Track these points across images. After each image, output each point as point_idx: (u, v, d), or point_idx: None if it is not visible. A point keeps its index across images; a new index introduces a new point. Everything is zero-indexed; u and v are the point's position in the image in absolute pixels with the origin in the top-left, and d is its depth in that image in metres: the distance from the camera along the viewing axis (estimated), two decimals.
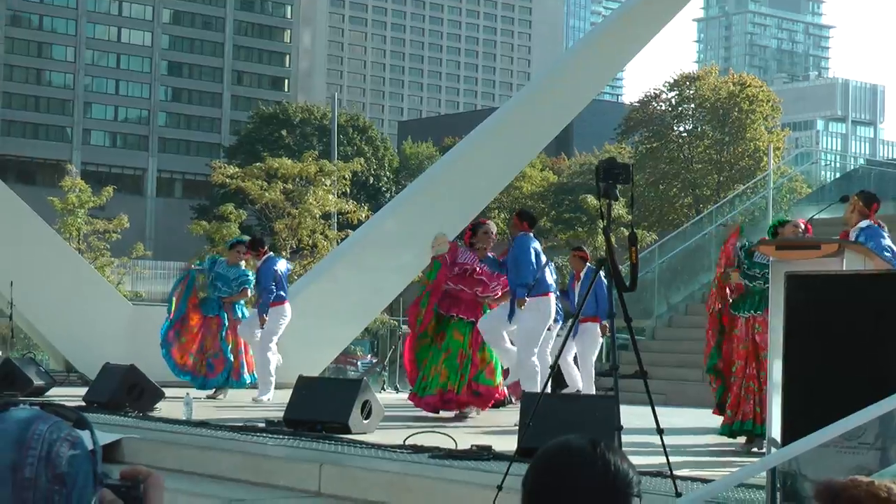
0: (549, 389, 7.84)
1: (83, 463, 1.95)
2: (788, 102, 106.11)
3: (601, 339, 14.19)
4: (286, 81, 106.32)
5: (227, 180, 41.24)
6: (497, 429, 10.69)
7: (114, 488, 2.01)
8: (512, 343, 12.00)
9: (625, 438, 7.02)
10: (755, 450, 9.27)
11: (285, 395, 10.88)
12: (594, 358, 14.20)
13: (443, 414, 12.03)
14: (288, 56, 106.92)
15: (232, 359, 14.39)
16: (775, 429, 6.80)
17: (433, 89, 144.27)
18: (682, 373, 20.08)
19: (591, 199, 47.26)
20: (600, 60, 18.37)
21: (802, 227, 9.84)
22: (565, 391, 13.27)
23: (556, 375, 12.54)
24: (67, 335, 16.22)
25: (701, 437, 10.68)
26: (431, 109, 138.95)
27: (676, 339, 22.36)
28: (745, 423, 9.52)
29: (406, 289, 18.50)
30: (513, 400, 12.88)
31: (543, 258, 11.93)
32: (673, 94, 62.30)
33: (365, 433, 9.69)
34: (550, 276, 11.99)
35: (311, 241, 39.23)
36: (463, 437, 8.96)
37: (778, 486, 5.45)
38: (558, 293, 12.74)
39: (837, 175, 31.29)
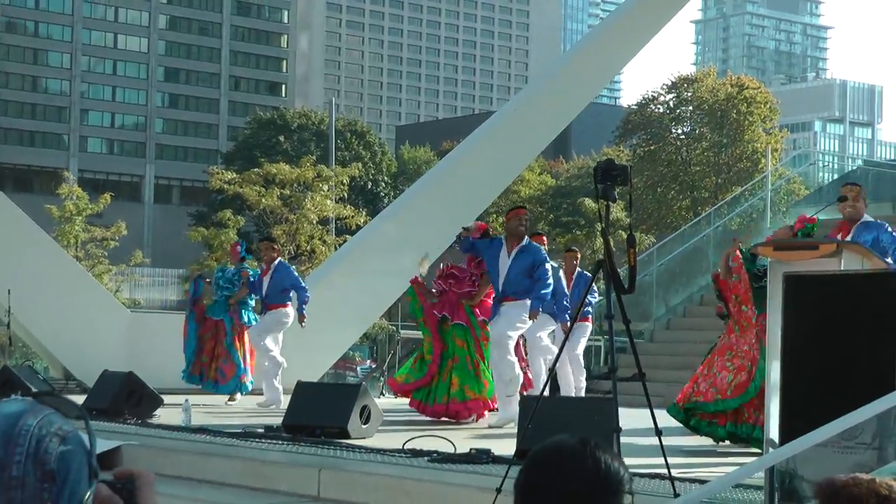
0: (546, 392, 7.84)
1: (75, 457, 1.88)
2: (786, 104, 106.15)
3: (587, 331, 14.48)
4: (283, 87, 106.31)
5: (225, 186, 41.25)
6: (496, 432, 10.69)
7: (108, 484, 1.97)
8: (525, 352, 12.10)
9: (623, 440, 7.03)
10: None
11: (284, 401, 10.89)
12: (581, 350, 14.41)
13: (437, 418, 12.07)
14: (285, 61, 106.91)
15: (242, 364, 14.44)
16: (773, 429, 6.80)
17: (431, 93, 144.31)
18: (681, 375, 20.03)
19: (590, 203, 47.30)
20: (598, 63, 18.39)
21: (798, 225, 9.79)
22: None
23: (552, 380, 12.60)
24: (66, 343, 16.21)
25: (699, 438, 10.68)
26: (429, 114, 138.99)
27: (675, 342, 22.36)
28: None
29: (404, 293, 18.50)
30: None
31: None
32: (671, 96, 62.28)
33: (364, 438, 9.69)
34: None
35: (309, 247, 39.28)
36: (462, 441, 8.96)
37: (776, 485, 5.45)
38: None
39: (835, 176, 31.28)
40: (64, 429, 1.90)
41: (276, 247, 14.72)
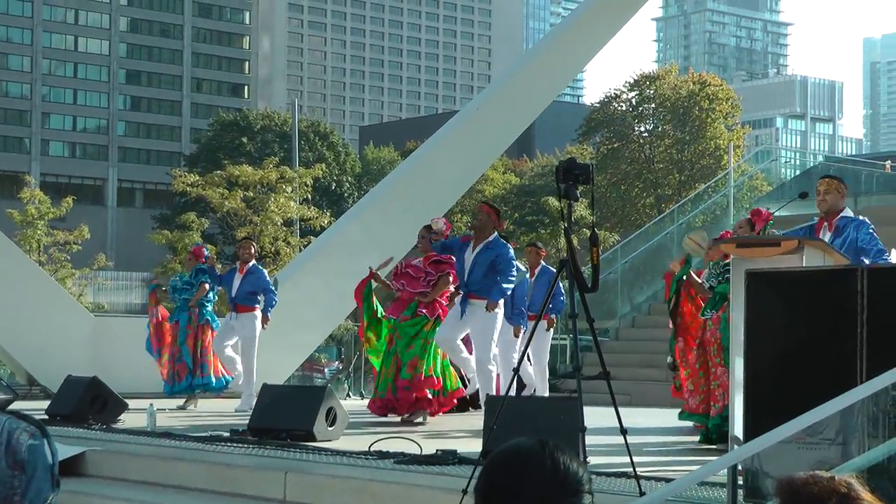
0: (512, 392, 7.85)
1: (41, 454, 1.99)
2: (748, 100, 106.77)
3: (549, 334, 14.40)
4: (246, 88, 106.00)
5: (188, 189, 41.10)
6: (462, 433, 10.70)
7: None
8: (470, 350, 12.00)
9: (589, 439, 7.04)
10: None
11: None
12: (546, 355, 14.34)
13: (391, 417, 12.03)
14: (247, 62, 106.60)
15: (191, 363, 14.36)
16: (738, 426, 6.83)
17: (394, 93, 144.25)
18: (646, 373, 20.14)
19: (554, 201, 47.32)
20: (560, 61, 18.41)
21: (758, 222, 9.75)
22: (524, 391, 13.34)
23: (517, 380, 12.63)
24: (29, 348, 16.10)
25: (665, 436, 10.72)
26: (392, 114, 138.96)
27: (640, 340, 22.43)
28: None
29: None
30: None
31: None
32: (633, 94, 62.51)
33: (330, 440, 9.67)
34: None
35: (273, 249, 39.16)
36: (428, 442, 8.95)
37: (739, 482, 5.47)
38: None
39: (797, 172, 31.50)
40: (30, 428, 2.05)
41: (254, 247, 14.80)
